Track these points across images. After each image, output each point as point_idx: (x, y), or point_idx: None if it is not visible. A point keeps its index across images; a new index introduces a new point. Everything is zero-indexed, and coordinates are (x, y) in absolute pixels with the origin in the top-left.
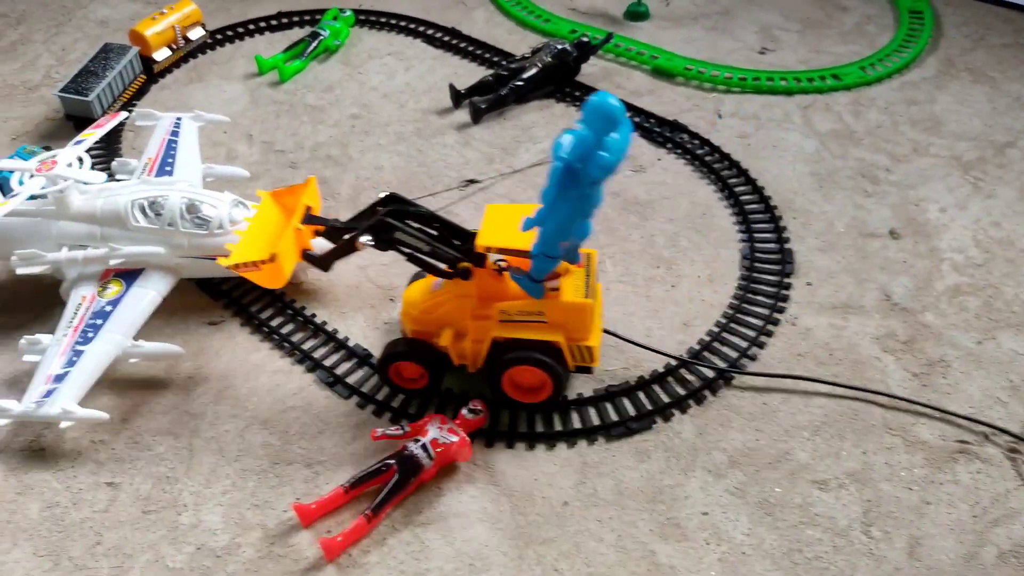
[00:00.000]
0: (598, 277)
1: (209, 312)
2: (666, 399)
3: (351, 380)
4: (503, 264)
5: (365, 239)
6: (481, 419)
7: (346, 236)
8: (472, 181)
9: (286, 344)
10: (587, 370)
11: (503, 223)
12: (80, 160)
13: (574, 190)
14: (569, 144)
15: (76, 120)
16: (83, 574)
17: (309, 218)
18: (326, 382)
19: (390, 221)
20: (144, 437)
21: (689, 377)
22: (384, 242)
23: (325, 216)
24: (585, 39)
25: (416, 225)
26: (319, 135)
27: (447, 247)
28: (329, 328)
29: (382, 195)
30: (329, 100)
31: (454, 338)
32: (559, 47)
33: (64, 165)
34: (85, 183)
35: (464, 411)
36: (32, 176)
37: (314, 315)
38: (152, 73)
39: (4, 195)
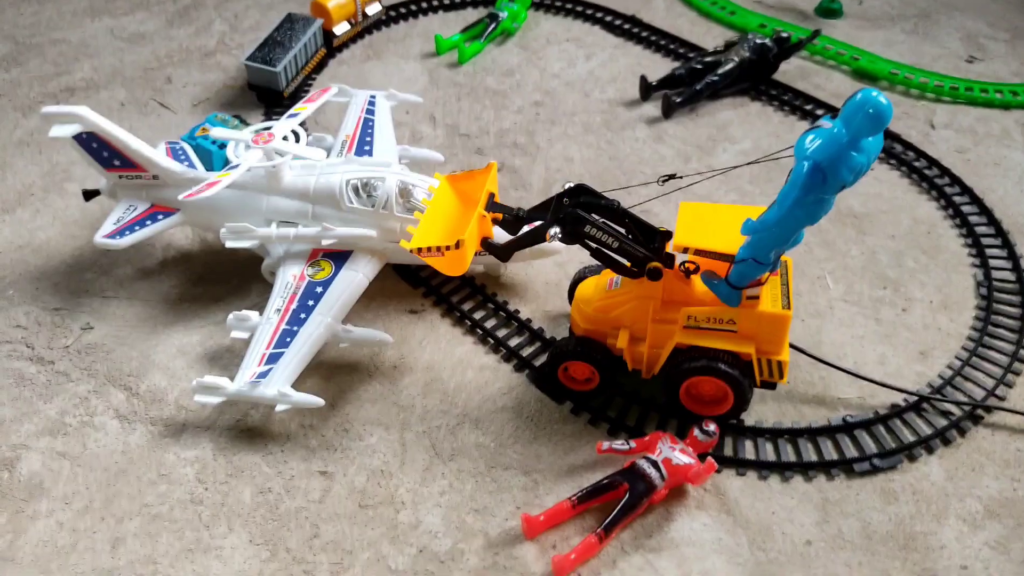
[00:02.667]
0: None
1: (409, 300)
2: (911, 436)
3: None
4: (691, 266)
5: (553, 231)
6: (713, 441)
7: (530, 226)
8: (671, 176)
9: (491, 339)
10: (772, 386)
11: (701, 223)
12: (295, 134)
13: (813, 194)
14: (818, 143)
15: (259, 90)
16: (301, 568)
17: (492, 205)
18: (538, 384)
19: (580, 213)
20: (354, 426)
21: (932, 414)
22: (572, 235)
23: (510, 206)
24: (785, 35)
25: (602, 220)
26: (503, 121)
27: (637, 245)
28: (535, 326)
29: (568, 185)
30: (510, 85)
31: (631, 340)
32: (758, 42)
33: (280, 138)
34: (305, 158)
35: (696, 431)
36: (248, 147)
37: (517, 311)
38: (331, 47)
39: (207, 166)
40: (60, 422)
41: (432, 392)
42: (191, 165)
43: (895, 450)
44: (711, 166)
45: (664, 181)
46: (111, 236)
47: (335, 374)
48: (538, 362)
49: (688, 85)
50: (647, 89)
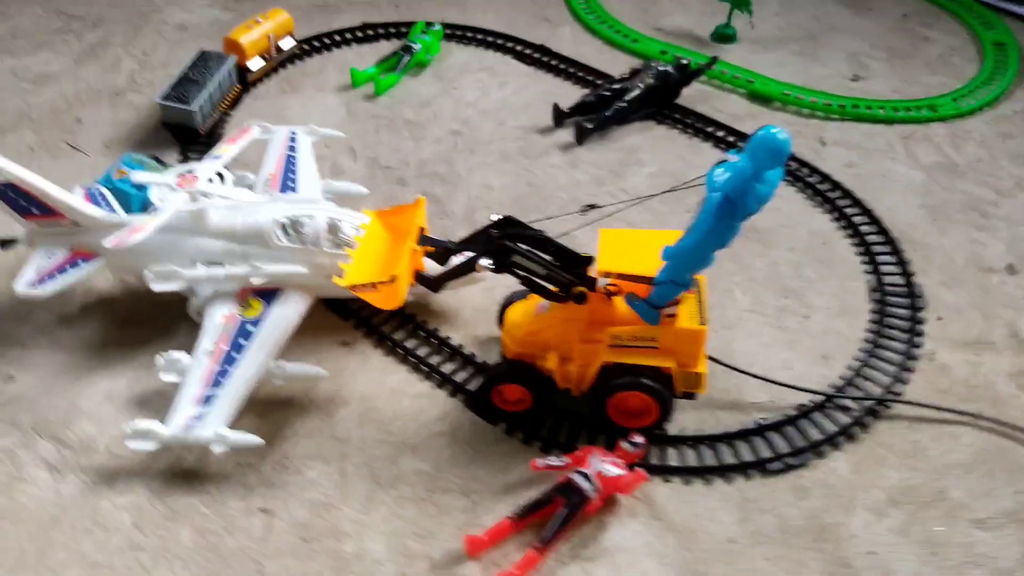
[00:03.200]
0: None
1: (340, 332)
2: (818, 435)
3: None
4: (612, 288)
5: (485, 262)
6: (641, 452)
7: (459, 257)
8: (592, 206)
9: (424, 367)
10: (692, 396)
11: (621, 248)
12: (220, 175)
13: (724, 222)
14: (726, 176)
15: (174, 129)
16: None
17: (423, 239)
18: (472, 408)
19: (510, 244)
20: (293, 461)
21: (836, 412)
22: (502, 265)
23: (437, 237)
24: (685, 62)
25: (529, 249)
26: (422, 151)
27: (563, 271)
28: (467, 351)
29: (495, 217)
30: (427, 115)
31: (560, 361)
32: (661, 69)
33: (205, 180)
34: (233, 200)
35: (624, 443)
36: (173, 190)
37: (448, 337)
38: (246, 83)
39: (125, 209)
40: None
41: (368, 422)
42: (111, 209)
43: (804, 448)
44: (624, 189)
45: (585, 211)
46: (33, 285)
47: (269, 411)
48: (472, 386)
49: (598, 111)
50: (560, 116)
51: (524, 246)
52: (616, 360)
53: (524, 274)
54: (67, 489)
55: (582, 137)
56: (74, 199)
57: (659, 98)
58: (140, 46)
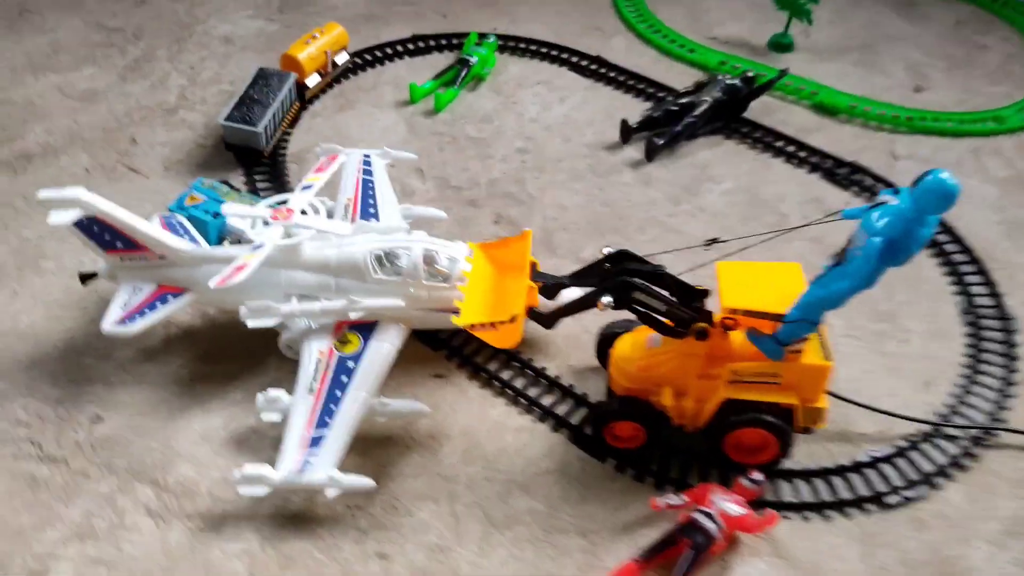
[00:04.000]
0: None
1: (432, 364)
2: (929, 466)
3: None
4: (729, 323)
5: (606, 300)
6: (759, 490)
7: (571, 292)
8: (714, 240)
9: (523, 399)
10: (809, 431)
11: (742, 283)
12: (314, 208)
13: (884, 266)
14: (886, 220)
15: (237, 150)
16: None
17: (535, 275)
18: (578, 443)
19: (633, 281)
20: (402, 501)
21: (943, 442)
22: (623, 301)
23: (552, 274)
24: (752, 75)
25: (644, 283)
26: (491, 171)
27: (681, 306)
28: (564, 383)
29: (608, 251)
30: (490, 132)
31: (675, 397)
32: (728, 83)
33: (299, 212)
34: (330, 232)
35: (743, 480)
36: (267, 224)
37: (544, 368)
38: (303, 100)
39: (199, 233)
40: (87, 525)
41: (473, 459)
42: (193, 240)
43: (919, 480)
44: (701, 208)
45: (708, 245)
46: (121, 323)
47: (371, 449)
48: (574, 420)
49: (665, 126)
50: (628, 132)
51: (643, 281)
52: (737, 396)
53: (644, 310)
54: (174, 537)
55: (652, 153)
56: (160, 232)
57: (727, 112)
58: (186, 60)
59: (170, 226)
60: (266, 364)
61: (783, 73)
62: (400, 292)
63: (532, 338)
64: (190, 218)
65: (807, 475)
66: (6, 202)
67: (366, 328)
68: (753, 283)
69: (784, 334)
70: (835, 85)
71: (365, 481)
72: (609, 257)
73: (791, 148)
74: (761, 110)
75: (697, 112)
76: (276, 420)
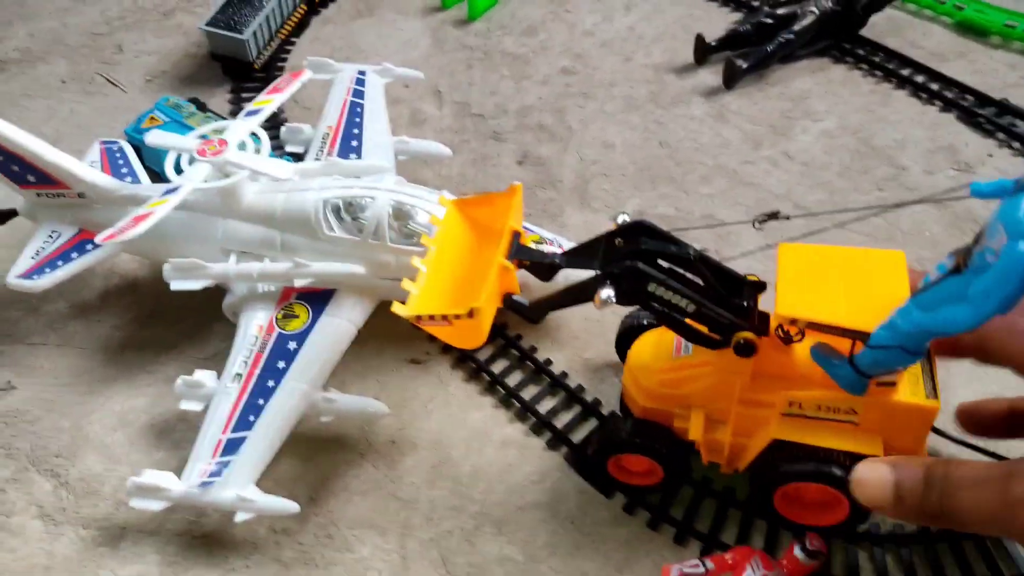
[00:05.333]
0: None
1: (411, 345)
2: None
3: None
4: (794, 331)
5: (605, 293)
6: (818, 564)
7: (567, 273)
8: (772, 216)
9: (515, 401)
10: None
11: (811, 276)
12: (256, 137)
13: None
14: None
15: (224, 60)
16: None
17: (517, 250)
18: (578, 469)
19: (643, 269)
20: (341, 529)
21: None
22: (629, 295)
23: (541, 250)
24: None
25: (667, 271)
26: (525, 95)
27: (719, 306)
28: (572, 384)
29: (623, 219)
30: (533, 47)
31: (707, 425)
32: None
33: (235, 148)
34: (272, 176)
35: (796, 550)
36: (192, 161)
37: (549, 361)
38: (313, 1)
39: (157, 168)
40: None
41: (441, 479)
42: (130, 172)
43: None
44: (788, 154)
45: (762, 222)
46: (27, 275)
47: (316, 453)
48: (577, 436)
49: (755, 45)
50: (704, 51)
51: (665, 264)
52: (793, 438)
53: (662, 309)
54: (61, 548)
55: (733, 79)
56: (75, 163)
57: (838, 28)
58: None
59: (110, 154)
60: (210, 331)
61: None
62: (360, 255)
63: (546, 321)
64: (144, 145)
65: (895, 541)
66: None
67: (319, 298)
68: (828, 277)
69: (868, 362)
70: None
71: (287, 505)
72: (622, 229)
73: (920, 78)
74: (885, 26)
75: (798, 27)
76: (197, 409)
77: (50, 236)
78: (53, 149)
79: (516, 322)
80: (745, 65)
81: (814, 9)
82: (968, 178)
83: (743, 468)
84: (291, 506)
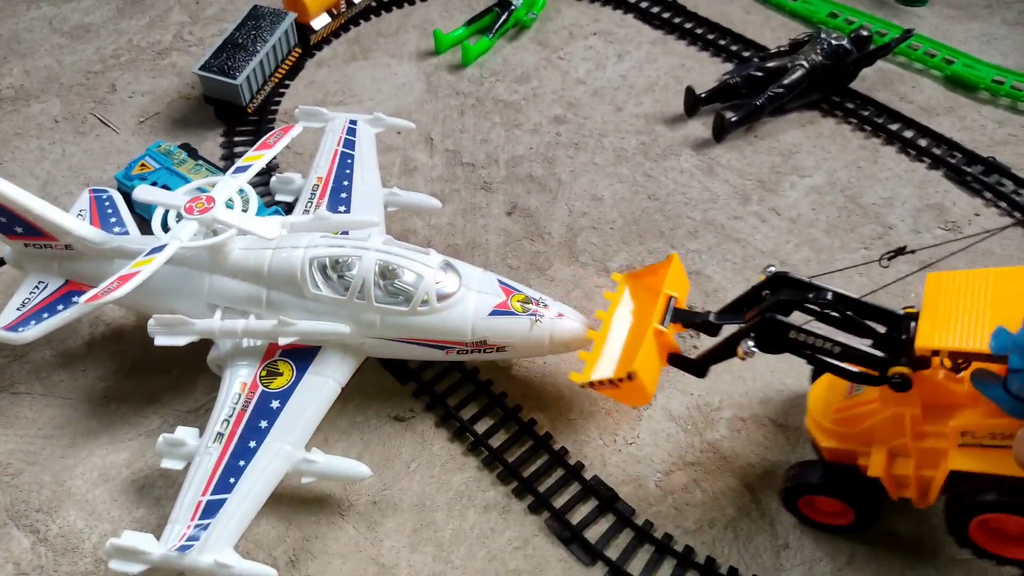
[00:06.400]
0: None
1: (395, 401)
2: None
3: (592, 534)
4: (960, 363)
5: (746, 346)
6: None
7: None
8: (900, 252)
9: (498, 463)
10: None
11: (959, 304)
12: (243, 194)
13: None
14: None
15: (217, 104)
16: None
17: (676, 313)
18: (560, 536)
19: (780, 320)
20: None
21: None
22: (772, 345)
23: (696, 310)
24: (866, 34)
25: (816, 308)
26: (516, 145)
27: (867, 345)
28: (556, 446)
29: (770, 271)
30: (524, 94)
31: (888, 461)
32: (833, 42)
33: (223, 205)
34: (258, 235)
35: None
36: (180, 218)
37: (533, 422)
38: (308, 44)
39: (146, 216)
40: None
41: (423, 543)
42: (119, 222)
43: None
44: (775, 209)
45: (890, 258)
46: (12, 327)
47: (295, 514)
48: (559, 501)
49: (745, 97)
50: (694, 103)
51: (815, 308)
52: (972, 468)
53: (811, 353)
54: None
55: (722, 133)
56: (62, 216)
57: (828, 81)
58: None
59: (99, 203)
60: (195, 383)
61: (908, 33)
62: (345, 314)
63: (528, 378)
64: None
65: None
66: None
67: (304, 355)
68: (974, 302)
69: (1016, 384)
70: (980, 52)
71: (265, 572)
72: (768, 281)
73: (909, 134)
74: (875, 80)
75: (788, 80)
76: (179, 468)
77: (36, 287)
78: (41, 202)
79: (502, 380)
80: (735, 118)
81: (804, 63)
82: (956, 238)
83: (933, 500)
84: (269, 572)
